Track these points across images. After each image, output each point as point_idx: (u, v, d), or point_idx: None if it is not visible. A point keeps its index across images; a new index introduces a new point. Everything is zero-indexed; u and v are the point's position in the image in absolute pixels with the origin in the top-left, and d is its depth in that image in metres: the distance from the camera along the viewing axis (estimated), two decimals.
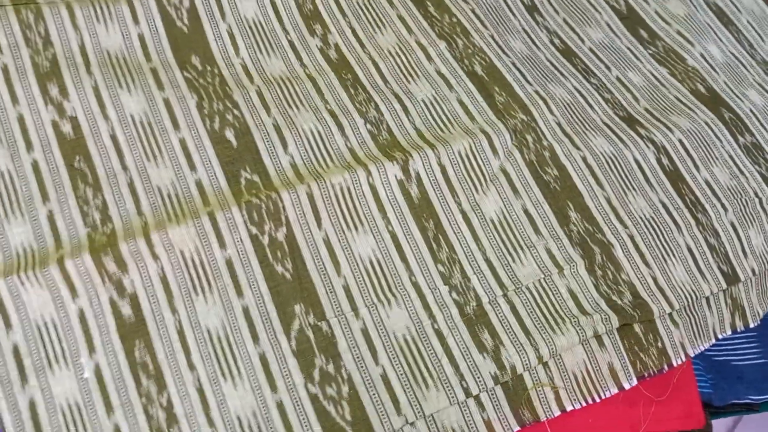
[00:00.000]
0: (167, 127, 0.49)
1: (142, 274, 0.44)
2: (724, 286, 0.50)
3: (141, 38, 0.53)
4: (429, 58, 0.57)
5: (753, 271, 0.52)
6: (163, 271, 0.44)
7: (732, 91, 0.61)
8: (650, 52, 0.63)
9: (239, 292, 0.45)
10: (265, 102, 0.51)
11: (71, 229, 0.44)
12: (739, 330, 0.52)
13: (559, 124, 0.54)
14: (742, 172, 0.56)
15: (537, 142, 0.53)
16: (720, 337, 0.50)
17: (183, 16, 0.55)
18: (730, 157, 0.57)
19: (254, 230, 0.46)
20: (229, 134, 0.50)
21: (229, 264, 0.45)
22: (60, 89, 0.49)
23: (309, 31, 0.57)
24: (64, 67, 0.49)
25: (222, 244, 0.45)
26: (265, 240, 0.46)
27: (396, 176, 0.48)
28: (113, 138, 0.48)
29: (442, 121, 0.53)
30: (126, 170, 0.47)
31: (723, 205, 0.54)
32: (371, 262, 0.46)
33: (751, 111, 0.60)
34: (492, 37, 0.59)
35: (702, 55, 0.64)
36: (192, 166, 0.48)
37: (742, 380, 0.56)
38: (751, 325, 0.52)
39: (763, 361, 0.57)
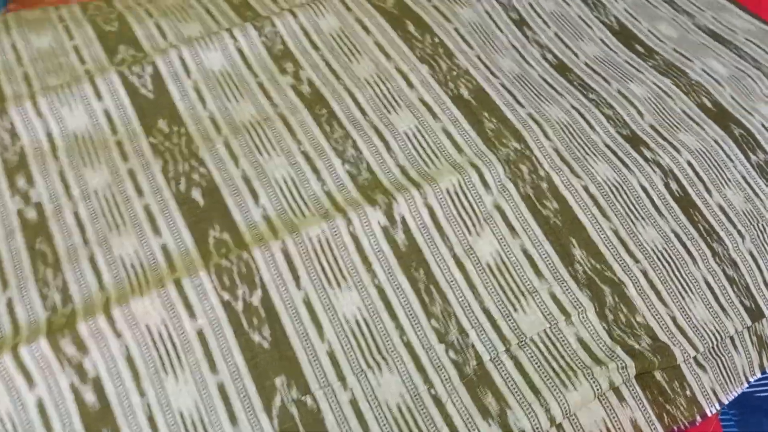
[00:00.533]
0: (131, 196, 0.46)
1: (104, 355, 0.40)
2: (749, 322, 0.46)
3: (106, 114, 0.50)
4: (410, 84, 0.53)
5: None
6: (127, 349, 0.40)
7: (740, 105, 0.57)
8: (650, 64, 0.59)
9: (213, 368, 0.41)
10: (233, 153, 0.48)
11: (30, 314, 0.41)
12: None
13: (556, 150, 0.50)
14: (757, 195, 0.52)
15: (533, 173, 0.48)
16: (751, 380, 0.46)
17: (147, 83, 0.52)
18: (743, 178, 0.52)
19: (226, 296, 0.42)
20: (196, 194, 0.46)
21: (201, 336, 0.41)
22: (27, 179, 0.47)
23: (280, 70, 0.53)
24: (32, 158, 0.48)
25: (191, 314, 0.41)
26: (239, 306, 0.42)
27: (379, 223, 0.44)
28: (76, 215, 0.45)
29: (427, 155, 0.49)
30: (87, 244, 0.44)
31: (739, 232, 0.49)
32: (357, 323, 0.42)
33: (763, 126, 0.56)
34: (478, 57, 0.55)
35: (704, 70, 0.59)
36: (156, 231, 0.44)
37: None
38: None
39: None
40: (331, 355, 0.41)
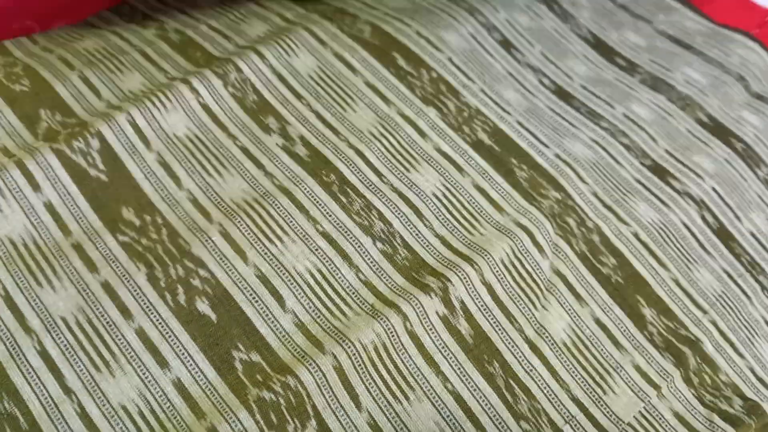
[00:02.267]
0: (114, 320, 0.36)
1: None
2: None
3: (49, 207, 0.39)
4: (422, 133, 0.47)
5: None
6: None
7: (729, 115, 0.57)
8: (638, 79, 0.57)
9: None
10: (237, 245, 0.39)
11: None
12: None
13: (596, 195, 0.47)
14: None
15: (581, 226, 0.45)
16: None
17: (96, 162, 0.41)
18: (759, 197, 0.52)
19: None
20: (203, 306, 0.37)
21: None
22: None
23: (262, 129, 0.45)
24: None
25: None
26: None
27: (438, 312, 0.39)
28: (43, 355, 0.35)
29: (465, 219, 0.43)
30: (71, 395, 0.34)
31: None
32: None
33: (756, 136, 0.56)
34: (483, 91, 0.50)
35: (687, 81, 0.59)
36: (162, 363, 0.35)
37: None
38: None
39: None
40: None
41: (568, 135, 0.50)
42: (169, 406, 0.34)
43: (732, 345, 0.43)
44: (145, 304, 0.37)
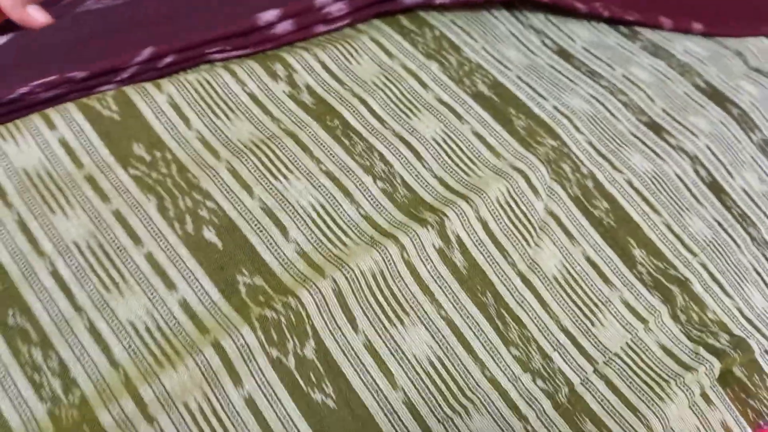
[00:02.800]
0: (125, 245, 0.38)
1: None
2: None
3: (63, 143, 0.41)
4: (424, 84, 0.49)
5: None
6: None
7: (727, 83, 0.59)
8: (639, 45, 0.59)
9: None
10: (243, 180, 0.42)
11: (24, 412, 0.33)
12: None
13: (591, 144, 0.48)
14: (767, 174, 0.53)
15: (576, 171, 0.47)
16: None
17: (109, 104, 0.43)
18: (752, 158, 0.54)
19: (275, 352, 0.36)
20: (209, 234, 0.39)
21: (251, 404, 0.35)
22: None
23: (270, 75, 0.47)
24: None
25: (237, 381, 0.35)
26: (291, 362, 0.37)
27: (435, 245, 0.41)
28: (54, 275, 0.37)
29: (463, 162, 0.45)
30: (80, 312, 0.36)
31: (765, 213, 0.50)
32: (432, 363, 0.38)
33: (752, 104, 0.58)
34: (484, 48, 0.52)
35: (687, 51, 0.61)
36: (170, 285, 0.38)
37: None
38: None
39: None
40: (409, 405, 0.37)
41: (567, 90, 0.52)
42: (175, 323, 0.37)
43: (721, 286, 0.45)
44: (154, 231, 0.39)
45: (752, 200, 0.51)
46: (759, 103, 0.59)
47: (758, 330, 0.44)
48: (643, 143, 0.50)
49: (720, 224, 0.48)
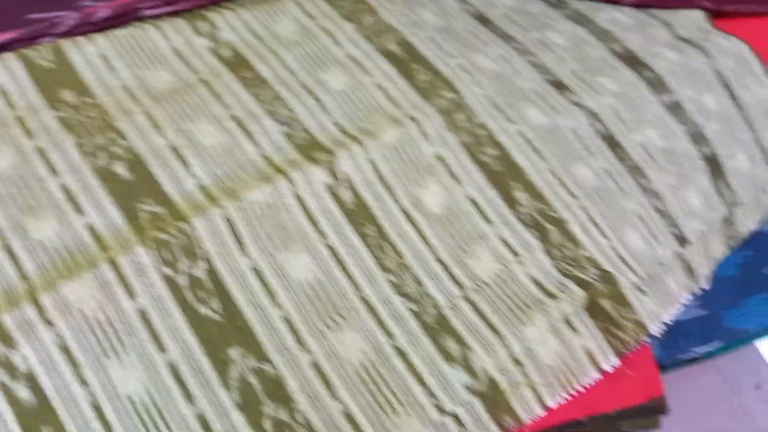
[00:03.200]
0: (43, 176, 0.43)
1: (35, 347, 0.38)
2: (678, 249, 0.50)
3: (1, 89, 0.46)
4: (337, 42, 0.53)
5: (699, 231, 0.52)
6: (61, 338, 0.38)
7: (647, 50, 0.62)
8: (562, 13, 0.63)
9: (161, 348, 0.39)
10: (156, 122, 0.46)
11: None
12: (695, 293, 0.52)
13: (489, 98, 0.52)
14: (672, 133, 0.56)
15: (469, 121, 0.50)
16: (682, 302, 0.50)
17: (45, 55, 0.48)
18: (658, 117, 0.57)
19: (167, 271, 0.41)
20: (120, 168, 0.44)
21: (143, 316, 0.40)
22: None
23: (194, 31, 0.52)
24: None
25: (131, 294, 0.40)
26: (182, 280, 0.41)
27: (323, 182, 0.45)
28: None
29: (363, 111, 0.49)
30: (2, 233, 0.41)
31: (660, 167, 0.54)
32: (311, 285, 0.42)
33: (669, 68, 0.61)
34: (400, 11, 0.56)
35: (611, 20, 0.64)
36: (79, 210, 0.42)
37: (686, 335, 0.57)
38: (705, 287, 0.52)
39: (703, 313, 0.59)
40: (287, 321, 0.41)
41: (475, 50, 0.56)
42: (80, 243, 0.41)
43: (598, 227, 0.48)
44: (70, 164, 0.44)
45: (649, 155, 0.54)
46: (677, 68, 0.62)
47: (630, 267, 0.47)
48: (543, 99, 0.54)
49: (609, 173, 0.51)
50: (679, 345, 0.60)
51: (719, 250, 0.57)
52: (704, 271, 0.53)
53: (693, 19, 0.69)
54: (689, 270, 0.52)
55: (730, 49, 0.67)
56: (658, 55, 0.62)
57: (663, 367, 0.60)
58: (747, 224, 0.60)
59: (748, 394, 0.69)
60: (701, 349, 0.60)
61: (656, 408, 0.58)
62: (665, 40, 0.64)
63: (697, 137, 0.58)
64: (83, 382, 0.38)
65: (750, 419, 0.70)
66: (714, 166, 0.58)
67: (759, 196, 0.62)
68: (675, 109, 0.58)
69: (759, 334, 0.64)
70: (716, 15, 0.73)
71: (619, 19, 0.64)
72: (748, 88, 0.66)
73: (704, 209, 0.54)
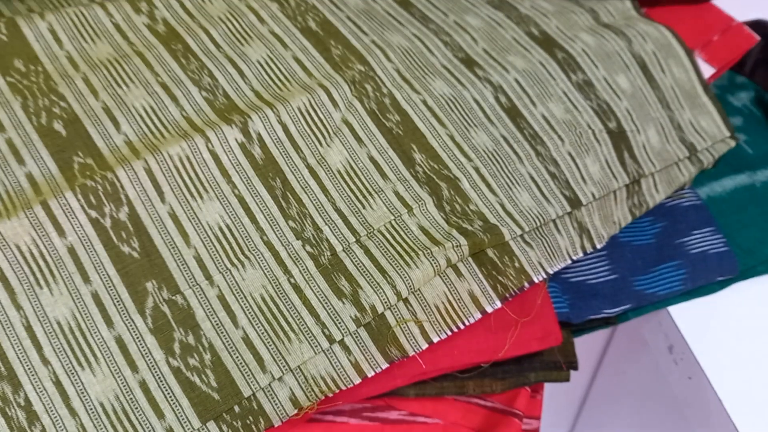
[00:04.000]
0: None
1: None
2: (568, 209, 0.56)
3: None
4: (261, 20, 0.59)
5: (593, 195, 0.58)
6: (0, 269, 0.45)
7: (564, 33, 0.67)
8: (486, 0, 0.68)
9: (86, 279, 0.46)
10: (93, 87, 0.52)
11: None
12: (588, 252, 0.57)
13: (398, 71, 0.58)
14: (575, 107, 0.62)
15: (376, 91, 0.56)
16: (574, 258, 0.56)
17: (0, 28, 0.55)
18: (564, 93, 0.62)
19: (94, 214, 0.47)
20: (58, 126, 0.50)
21: (72, 252, 0.46)
22: None
23: (134, 9, 0.58)
24: None
25: (61, 233, 0.46)
26: (107, 222, 0.47)
27: (236, 139, 0.51)
28: None
29: (280, 80, 0.55)
30: None
31: (560, 137, 0.59)
32: (220, 229, 0.49)
33: (583, 50, 0.66)
34: None
35: (533, 6, 0.69)
36: (20, 161, 0.49)
37: (597, 296, 0.63)
38: (598, 247, 0.58)
39: (614, 277, 0.64)
40: (198, 259, 0.48)
41: (391, 29, 0.62)
42: (19, 189, 0.47)
43: (488, 185, 0.54)
44: (16, 122, 0.50)
45: (550, 125, 0.60)
46: (591, 50, 0.67)
47: (515, 221, 0.53)
48: (450, 73, 0.60)
49: (506, 140, 0.57)
50: (590, 306, 0.65)
51: (622, 215, 0.62)
52: (602, 233, 0.59)
53: (620, 8, 0.75)
54: (584, 230, 0.58)
55: (652, 34, 0.72)
56: (574, 39, 0.67)
57: (575, 326, 0.66)
58: (654, 195, 0.65)
59: (661, 354, 0.75)
60: (611, 311, 0.66)
61: (566, 363, 0.64)
62: (585, 26, 0.70)
63: (605, 113, 0.63)
64: (18, 307, 0.44)
65: (662, 377, 0.76)
66: (620, 139, 0.63)
67: (670, 171, 0.67)
68: (585, 87, 0.64)
69: (668, 299, 0.70)
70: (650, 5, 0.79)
71: (540, 5, 0.70)
72: (669, 71, 0.71)
73: (603, 177, 0.60)
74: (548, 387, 0.66)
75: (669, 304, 0.71)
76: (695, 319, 0.71)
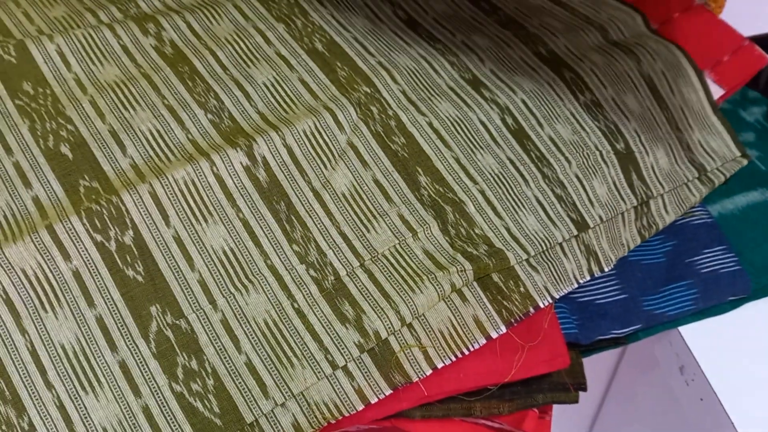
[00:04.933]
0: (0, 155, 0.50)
1: None
2: (575, 232, 0.56)
3: None
4: (268, 41, 0.60)
5: (601, 218, 0.58)
6: (5, 293, 0.45)
7: (573, 53, 0.67)
8: (494, 19, 0.69)
9: (90, 303, 0.46)
10: (100, 110, 0.53)
11: None
12: (596, 275, 0.57)
13: (403, 93, 0.58)
14: (582, 128, 0.62)
15: (382, 113, 0.57)
16: (581, 282, 0.56)
17: (9, 50, 0.56)
18: (572, 114, 0.62)
19: (99, 237, 0.48)
20: (65, 149, 0.51)
21: (77, 276, 0.47)
22: None
23: (142, 32, 0.59)
24: None
25: (66, 257, 0.47)
26: (112, 246, 0.48)
27: (242, 163, 0.51)
28: None
29: (285, 102, 0.56)
30: None
31: (567, 159, 0.59)
32: (225, 253, 0.49)
33: (592, 70, 0.66)
34: (331, 15, 0.63)
35: (541, 25, 0.70)
36: (27, 184, 0.49)
37: (606, 317, 0.62)
38: (606, 270, 0.57)
39: (623, 296, 0.64)
40: (202, 283, 0.48)
41: (398, 50, 0.62)
42: (25, 212, 0.48)
43: (494, 209, 0.54)
44: (23, 145, 0.51)
45: (557, 147, 0.60)
46: (599, 70, 0.67)
47: (521, 245, 0.53)
48: (457, 94, 0.60)
49: (512, 162, 0.57)
50: (599, 326, 0.65)
51: (630, 237, 0.62)
52: (609, 255, 0.59)
53: (630, 25, 0.75)
54: (591, 253, 0.58)
55: (662, 53, 0.72)
56: (583, 58, 0.67)
57: (584, 347, 0.65)
58: (664, 216, 0.65)
59: (672, 375, 0.75)
60: (621, 331, 0.65)
61: (574, 384, 0.63)
62: (595, 44, 0.70)
63: (613, 134, 0.63)
64: (23, 331, 0.45)
65: (674, 398, 0.76)
66: (628, 160, 0.63)
67: (679, 191, 0.67)
68: (592, 107, 0.64)
69: (678, 319, 0.69)
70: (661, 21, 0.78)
71: (549, 24, 0.70)
72: (678, 92, 0.71)
73: (611, 199, 0.60)
74: (557, 408, 0.65)
75: (680, 324, 0.70)
76: (707, 339, 0.70)
